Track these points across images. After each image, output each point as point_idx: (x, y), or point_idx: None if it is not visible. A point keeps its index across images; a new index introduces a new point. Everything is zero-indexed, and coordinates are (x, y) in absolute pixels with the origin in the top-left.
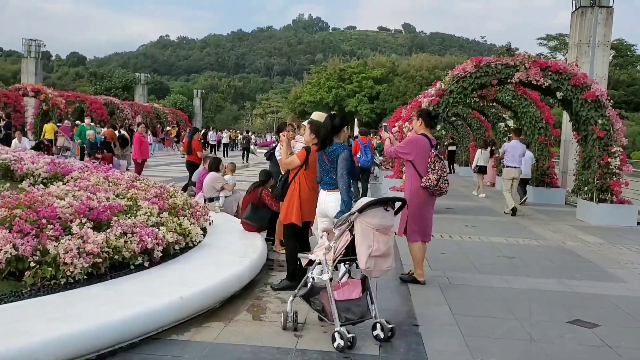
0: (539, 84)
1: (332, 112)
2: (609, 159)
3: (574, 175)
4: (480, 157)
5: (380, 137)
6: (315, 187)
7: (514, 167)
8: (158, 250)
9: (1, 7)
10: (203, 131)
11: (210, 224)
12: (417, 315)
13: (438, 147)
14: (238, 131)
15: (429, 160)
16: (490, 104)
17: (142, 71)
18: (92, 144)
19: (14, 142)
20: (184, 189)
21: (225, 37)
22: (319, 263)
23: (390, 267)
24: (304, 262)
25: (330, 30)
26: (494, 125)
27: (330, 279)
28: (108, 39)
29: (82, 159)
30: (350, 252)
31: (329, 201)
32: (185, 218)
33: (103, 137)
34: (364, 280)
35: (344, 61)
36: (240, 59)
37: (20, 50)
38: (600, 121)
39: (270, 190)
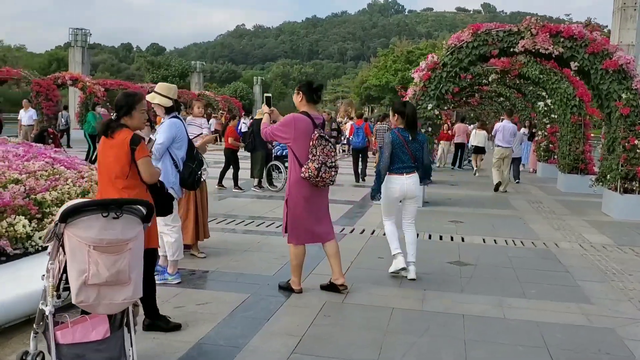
0: (548, 52)
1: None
2: (636, 141)
3: (599, 160)
4: (475, 137)
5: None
6: None
7: (505, 147)
8: None
9: (90, 1)
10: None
11: None
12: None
13: (326, 126)
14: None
15: (310, 144)
16: (527, 81)
17: (219, 61)
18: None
19: (21, 111)
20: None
21: (300, 24)
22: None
23: (129, 300)
24: None
25: (406, 13)
26: (532, 104)
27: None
28: (188, 30)
29: (93, 150)
30: None
31: (413, 183)
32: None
33: None
34: (121, 313)
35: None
36: (313, 45)
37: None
38: (624, 95)
39: None
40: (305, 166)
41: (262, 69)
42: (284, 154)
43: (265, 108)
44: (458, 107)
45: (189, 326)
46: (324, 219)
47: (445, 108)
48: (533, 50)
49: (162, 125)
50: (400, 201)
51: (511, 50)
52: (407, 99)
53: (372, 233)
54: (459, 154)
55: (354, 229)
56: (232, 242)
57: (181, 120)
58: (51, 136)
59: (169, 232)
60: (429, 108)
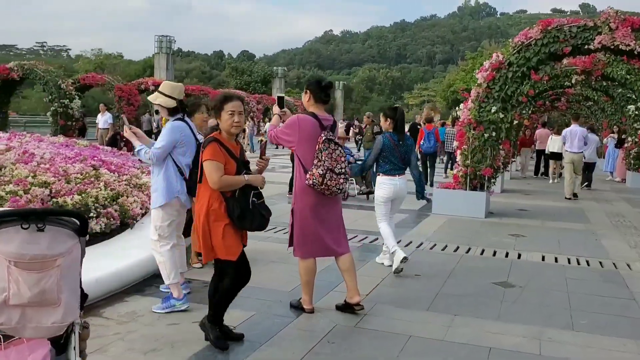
0: (629, 49)
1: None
2: None
3: None
4: (552, 143)
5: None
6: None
7: (574, 152)
8: None
9: (186, 12)
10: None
11: None
12: None
13: (336, 129)
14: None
15: (316, 147)
16: (614, 83)
17: (306, 67)
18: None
19: (98, 115)
20: None
21: (388, 29)
22: None
23: (58, 323)
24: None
25: (498, 15)
26: (621, 108)
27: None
28: (277, 37)
29: None
30: None
31: (403, 184)
32: None
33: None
34: (65, 337)
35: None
36: (401, 49)
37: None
38: None
39: None
40: (309, 172)
41: (349, 74)
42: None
43: (276, 109)
44: (544, 112)
45: (173, 347)
46: (335, 230)
47: (524, 112)
48: (612, 47)
49: (164, 128)
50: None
51: (586, 47)
52: (470, 101)
53: (419, 246)
54: (541, 162)
55: (400, 241)
56: (262, 252)
57: (187, 122)
58: (123, 139)
59: (156, 249)
60: (492, 111)
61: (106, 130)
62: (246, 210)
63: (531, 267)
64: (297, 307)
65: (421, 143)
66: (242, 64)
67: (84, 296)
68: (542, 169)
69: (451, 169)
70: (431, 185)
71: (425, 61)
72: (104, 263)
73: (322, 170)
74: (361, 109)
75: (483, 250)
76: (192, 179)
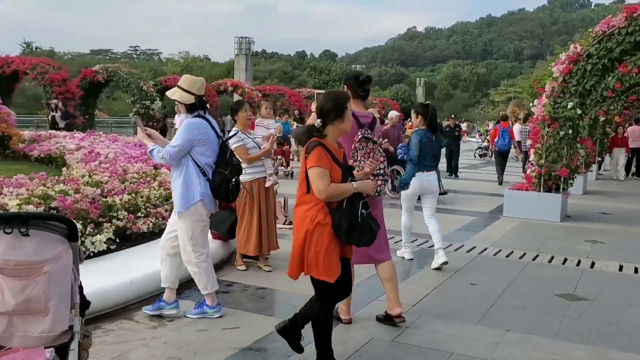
0: None
1: None
2: None
3: None
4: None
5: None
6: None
7: None
8: None
9: (272, 14)
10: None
11: None
12: None
13: (376, 126)
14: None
15: (352, 147)
16: None
17: (389, 64)
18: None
19: (175, 116)
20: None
21: (473, 24)
22: None
23: (46, 333)
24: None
25: (593, 7)
26: None
27: None
28: (359, 36)
29: None
30: None
31: (432, 180)
32: None
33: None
34: (67, 344)
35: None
36: (487, 45)
37: (271, 50)
38: None
39: None
40: None
41: (433, 71)
42: (405, 157)
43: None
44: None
45: (195, 355)
46: (380, 235)
47: (612, 108)
48: None
49: (180, 126)
50: (419, 197)
51: None
52: (544, 96)
53: (482, 252)
54: (634, 160)
55: (462, 246)
56: None
57: (207, 119)
58: None
59: (190, 260)
60: (568, 107)
61: None
62: (354, 223)
63: (604, 277)
64: (335, 317)
65: (495, 141)
66: (320, 63)
67: (84, 304)
68: (633, 169)
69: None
70: (500, 184)
71: (512, 57)
72: (142, 264)
73: (356, 170)
74: (443, 106)
75: (552, 258)
76: (215, 180)
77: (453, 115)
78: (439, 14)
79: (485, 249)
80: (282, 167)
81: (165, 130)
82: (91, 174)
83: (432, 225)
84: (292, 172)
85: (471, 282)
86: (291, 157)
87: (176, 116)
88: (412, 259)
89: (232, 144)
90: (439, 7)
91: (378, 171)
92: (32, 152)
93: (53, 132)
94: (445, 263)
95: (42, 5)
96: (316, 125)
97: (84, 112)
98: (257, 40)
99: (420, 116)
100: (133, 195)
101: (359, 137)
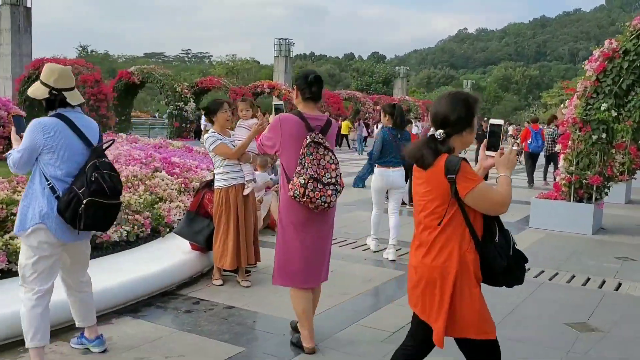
0: None
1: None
2: None
3: None
4: None
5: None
6: None
7: None
8: None
9: (322, 17)
10: None
11: None
12: None
13: (330, 130)
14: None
15: (300, 152)
16: None
17: (439, 66)
18: None
19: (202, 117)
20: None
21: (526, 25)
22: None
23: None
24: None
25: None
26: None
27: None
28: (409, 38)
29: None
30: None
31: (398, 176)
32: None
33: None
34: None
35: None
36: (541, 46)
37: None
38: None
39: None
40: (291, 181)
41: (484, 73)
42: None
43: (272, 119)
44: None
45: None
46: (323, 253)
47: None
48: None
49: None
50: (387, 191)
51: None
52: (576, 97)
53: None
54: None
55: None
56: None
57: (69, 120)
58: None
59: (21, 295)
60: (602, 108)
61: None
62: (510, 259)
63: (628, 303)
64: (297, 345)
65: (528, 142)
66: (363, 65)
67: None
68: None
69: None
70: (531, 186)
71: (567, 58)
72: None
73: (303, 179)
74: (492, 109)
75: (572, 277)
76: (62, 200)
77: (485, 119)
78: (490, 15)
79: None
80: None
81: (199, 131)
82: None
83: (393, 221)
84: None
85: None
86: None
87: (202, 117)
88: (376, 252)
89: (210, 144)
90: (490, 8)
91: (329, 180)
92: None
93: None
94: (393, 261)
95: (99, 11)
96: (438, 136)
97: (119, 113)
98: (306, 43)
99: (387, 115)
100: None
101: (307, 141)
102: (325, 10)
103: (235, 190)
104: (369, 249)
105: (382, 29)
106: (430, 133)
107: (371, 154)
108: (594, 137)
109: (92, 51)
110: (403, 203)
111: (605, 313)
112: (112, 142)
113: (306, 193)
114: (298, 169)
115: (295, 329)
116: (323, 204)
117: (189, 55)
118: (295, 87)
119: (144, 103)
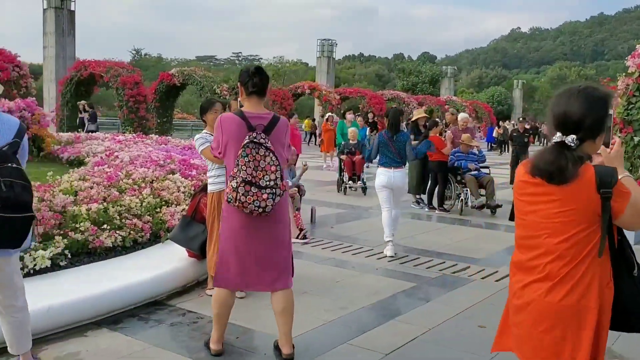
0: None
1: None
2: None
3: None
4: None
5: None
6: None
7: None
8: None
9: (372, 17)
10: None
11: None
12: None
13: (275, 129)
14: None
15: (238, 153)
16: None
17: (491, 66)
18: (347, 145)
19: None
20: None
21: (583, 24)
22: None
23: None
24: None
25: None
26: None
27: None
28: (460, 37)
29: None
30: None
31: (399, 176)
32: None
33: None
34: None
35: None
36: (598, 45)
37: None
38: None
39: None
40: (228, 185)
41: (537, 73)
42: (455, 164)
43: None
44: None
45: None
46: (267, 259)
47: None
48: None
49: None
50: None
51: None
52: (617, 94)
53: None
54: None
55: (496, 272)
56: (306, 278)
57: None
58: None
59: None
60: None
61: None
62: None
63: None
64: (206, 345)
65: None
66: (409, 65)
67: None
68: None
69: None
70: None
71: (626, 57)
72: (77, 287)
73: (236, 182)
74: (544, 110)
75: None
76: None
77: (521, 119)
78: (545, 14)
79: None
80: (350, 182)
81: None
82: (85, 178)
83: (393, 214)
84: (366, 188)
85: (479, 324)
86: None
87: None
88: (392, 259)
89: (198, 146)
90: (545, 7)
91: (267, 183)
92: (62, 154)
93: (93, 134)
94: (392, 256)
95: (152, 15)
96: (570, 142)
97: (161, 115)
98: (355, 43)
99: (385, 119)
100: (105, 204)
101: (246, 141)
102: (374, 10)
103: None
104: (385, 257)
105: (432, 29)
106: (556, 139)
107: (369, 152)
108: (636, 139)
109: (145, 54)
110: (432, 207)
111: (629, 340)
112: (16, 143)
113: (238, 197)
114: (234, 171)
115: (276, 347)
116: (257, 208)
117: (240, 58)
118: (238, 84)
119: (190, 105)
